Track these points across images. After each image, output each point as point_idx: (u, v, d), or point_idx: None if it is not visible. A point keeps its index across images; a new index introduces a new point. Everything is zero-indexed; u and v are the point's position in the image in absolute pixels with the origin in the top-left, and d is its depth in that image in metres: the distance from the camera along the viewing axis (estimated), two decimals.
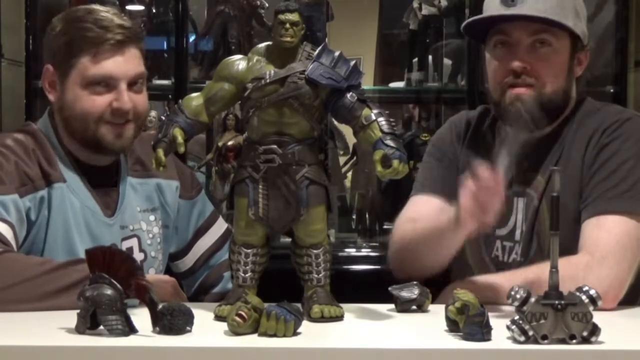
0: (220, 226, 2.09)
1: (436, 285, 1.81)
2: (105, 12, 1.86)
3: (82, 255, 1.77)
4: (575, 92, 1.93)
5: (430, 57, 3.35)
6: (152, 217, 1.96)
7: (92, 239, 1.84)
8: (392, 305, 1.67)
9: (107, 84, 1.83)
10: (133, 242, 1.91)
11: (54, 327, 1.44)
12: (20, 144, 1.82)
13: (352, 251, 3.15)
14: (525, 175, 1.88)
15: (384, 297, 1.69)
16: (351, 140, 3.21)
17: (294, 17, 1.54)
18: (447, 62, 3.38)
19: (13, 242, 1.72)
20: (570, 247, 1.74)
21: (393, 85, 3.45)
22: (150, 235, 1.95)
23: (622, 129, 1.83)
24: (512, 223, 1.90)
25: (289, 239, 1.62)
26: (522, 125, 1.89)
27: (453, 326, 1.42)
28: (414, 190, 2.03)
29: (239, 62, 1.60)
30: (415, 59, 3.35)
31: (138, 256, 1.90)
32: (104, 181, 1.90)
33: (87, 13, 1.86)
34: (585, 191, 1.81)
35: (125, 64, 1.84)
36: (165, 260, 2.01)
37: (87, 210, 1.85)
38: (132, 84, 1.85)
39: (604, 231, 1.74)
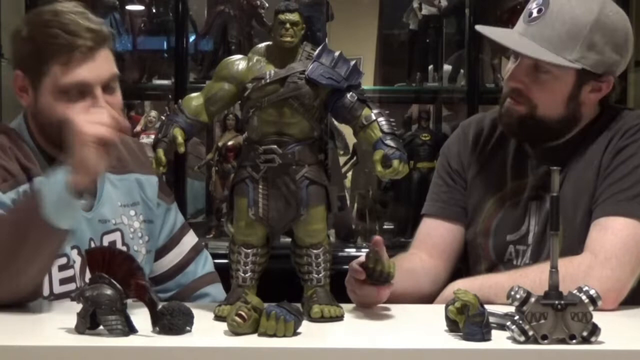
0: (189, 241, 2.07)
1: None
2: (72, 15, 1.81)
3: (68, 250, 1.78)
4: (593, 109, 1.90)
5: (431, 67, 3.36)
6: (132, 212, 1.95)
7: (72, 232, 1.83)
8: (392, 305, 1.67)
9: (81, 90, 1.80)
10: (116, 236, 1.90)
11: (54, 327, 1.44)
12: None
13: (352, 251, 3.15)
14: (543, 178, 1.88)
15: None
16: (351, 140, 3.21)
17: (294, 17, 1.54)
18: (446, 67, 3.39)
19: None
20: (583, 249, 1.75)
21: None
22: (132, 230, 1.94)
23: None
24: (526, 227, 1.90)
25: (289, 239, 1.62)
26: (510, 135, 1.91)
27: (453, 326, 1.42)
28: (425, 206, 2.05)
29: (238, 62, 1.60)
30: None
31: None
32: None
33: (53, 16, 1.81)
34: (597, 192, 1.81)
35: (97, 68, 1.80)
36: (151, 255, 1.99)
37: None
38: (105, 87, 1.82)
39: (610, 233, 1.74)
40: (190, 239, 2.07)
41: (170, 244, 2.04)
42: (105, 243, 1.87)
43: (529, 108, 1.85)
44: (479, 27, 1.94)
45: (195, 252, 2.05)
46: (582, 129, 1.89)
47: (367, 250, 1.64)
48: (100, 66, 1.81)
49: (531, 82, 1.84)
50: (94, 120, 1.63)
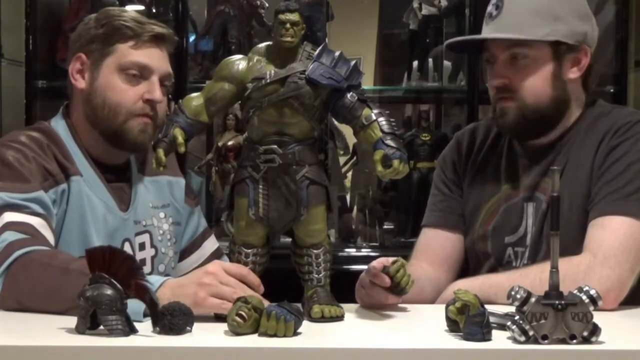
0: (210, 247, 2.08)
1: None
2: (141, 15, 1.95)
3: None
4: (580, 93, 1.92)
5: (430, 60, 3.36)
6: (162, 214, 1.97)
7: (108, 232, 1.84)
8: (393, 306, 1.67)
9: (141, 74, 1.87)
10: (145, 238, 1.92)
11: (54, 327, 1.44)
12: (34, 140, 1.82)
13: (352, 251, 3.15)
14: (535, 179, 1.89)
15: None
16: (351, 140, 3.21)
17: (294, 17, 1.54)
18: (447, 64, 3.38)
19: (49, 235, 1.72)
20: (580, 249, 1.75)
21: None
22: (161, 232, 1.96)
23: (633, 131, 1.83)
24: (523, 229, 1.91)
25: (289, 239, 1.62)
26: (512, 135, 1.92)
27: (453, 326, 1.42)
28: (425, 217, 2.07)
29: (239, 62, 1.60)
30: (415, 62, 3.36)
31: (149, 252, 1.92)
32: (117, 177, 1.92)
33: (123, 11, 1.94)
34: (593, 191, 1.81)
35: (160, 59, 1.90)
36: (176, 257, 2.01)
37: (103, 204, 1.86)
38: (161, 83, 1.89)
39: (608, 232, 1.74)
40: (211, 245, 2.09)
41: (192, 247, 2.06)
42: (136, 244, 1.89)
43: (519, 101, 1.86)
44: (447, 44, 2.03)
45: (215, 257, 2.05)
46: (569, 125, 1.90)
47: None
48: (162, 58, 1.91)
49: (513, 73, 1.86)
50: (220, 293, 1.51)
